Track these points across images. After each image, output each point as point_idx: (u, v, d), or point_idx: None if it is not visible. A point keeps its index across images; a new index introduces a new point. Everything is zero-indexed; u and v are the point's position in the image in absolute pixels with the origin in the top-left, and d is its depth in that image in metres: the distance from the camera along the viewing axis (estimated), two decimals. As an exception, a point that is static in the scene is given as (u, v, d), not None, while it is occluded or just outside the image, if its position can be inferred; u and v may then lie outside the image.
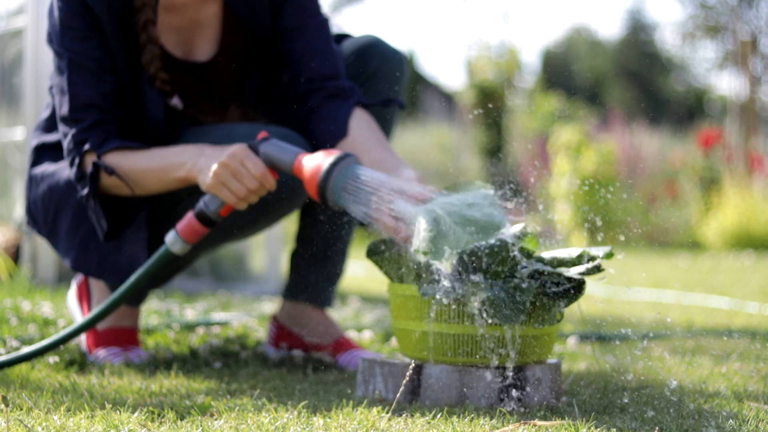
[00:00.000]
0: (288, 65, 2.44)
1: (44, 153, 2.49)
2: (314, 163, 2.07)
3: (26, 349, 2.22)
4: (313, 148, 2.35)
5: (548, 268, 1.93)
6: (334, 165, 2.04)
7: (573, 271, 1.94)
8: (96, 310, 2.24)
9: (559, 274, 1.92)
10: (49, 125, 2.50)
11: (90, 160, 2.30)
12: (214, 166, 2.15)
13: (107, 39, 2.31)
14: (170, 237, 2.21)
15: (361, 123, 2.33)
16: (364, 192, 2.01)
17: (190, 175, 2.21)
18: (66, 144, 2.32)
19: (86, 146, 2.29)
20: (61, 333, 2.23)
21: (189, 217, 2.20)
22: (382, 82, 2.47)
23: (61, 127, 2.33)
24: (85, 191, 2.29)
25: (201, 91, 2.47)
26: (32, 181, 2.48)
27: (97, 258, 2.39)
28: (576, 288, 1.93)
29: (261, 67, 2.49)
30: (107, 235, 2.32)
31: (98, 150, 2.28)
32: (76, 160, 2.30)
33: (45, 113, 2.52)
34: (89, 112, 2.30)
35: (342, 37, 2.54)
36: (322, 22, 2.43)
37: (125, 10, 2.32)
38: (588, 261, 1.98)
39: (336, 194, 2.04)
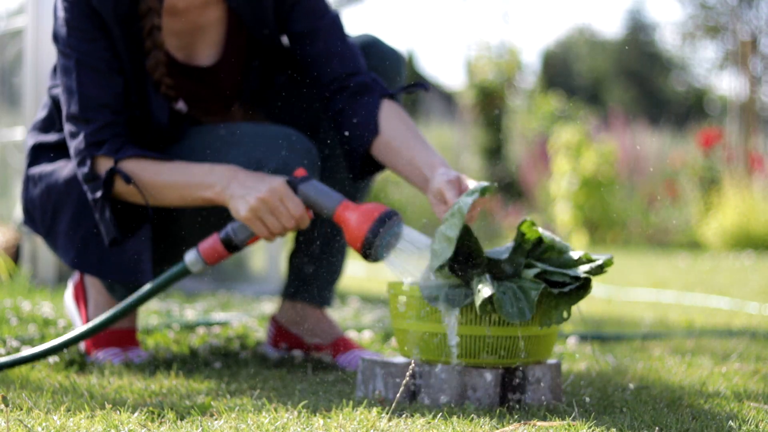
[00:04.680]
0: (306, 70, 2.42)
1: (41, 153, 2.48)
2: (359, 218, 2.08)
3: (29, 351, 2.22)
4: (346, 149, 2.34)
5: (553, 269, 1.94)
6: (380, 224, 2.06)
7: (578, 270, 1.94)
8: (105, 315, 2.23)
9: (565, 274, 1.93)
10: (46, 125, 2.49)
11: (104, 164, 2.27)
12: (251, 198, 2.14)
13: (114, 41, 2.30)
14: (191, 257, 2.21)
15: (391, 117, 2.31)
16: (407, 252, 2.06)
17: (219, 199, 2.20)
18: (75, 144, 2.29)
19: (101, 150, 2.27)
20: (66, 336, 2.22)
21: (214, 239, 2.20)
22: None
23: (69, 127, 2.31)
24: (98, 195, 2.27)
25: (205, 94, 2.46)
26: (29, 181, 2.47)
27: (97, 257, 2.38)
28: (582, 286, 1.93)
29: (260, 68, 2.49)
30: (113, 242, 2.31)
31: (115, 156, 2.26)
32: (88, 162, 2.28)
33: (41, 113, 2.51)
34: (101, 112, 2.28)
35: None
36: (334, 19, 2.41)
37: (130, 14, 2.31)
38: (588, 263, 1.98)
39: (380, 252, 2.07)
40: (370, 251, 2.07)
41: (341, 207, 2.13)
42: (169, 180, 2.24)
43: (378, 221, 2.07)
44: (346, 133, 2.33)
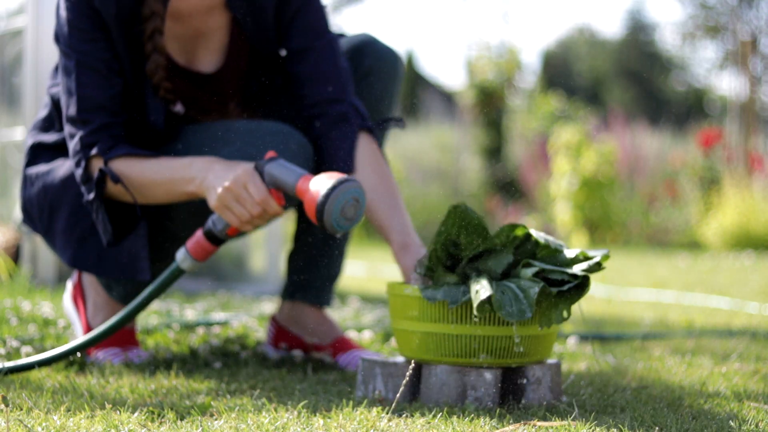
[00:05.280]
0: (294, 87, 2.43)
1: (40, 153, 2.48)
2: (315, 186, 2.07)
3: (33, 358, 2.21)
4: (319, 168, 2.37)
5: (552, 267, 1.93)
6: (332, 189, 2.04)
7: (576, 269, 1.94)
8: (107, 324, 2.23)
9: (563, 272, 1.92)
10: (46, 125, 2.50)
11: (97, 164, 2.28)
12: (219, 188, 2.15)
13: (114, 42, 2.30)
14: (180, 254, 2.21)
15: (365, 161, 2.33)
16: (361, 218, 2.03)
17: (199, 192, 2.21)
18: (72, 145, 2.30)
19: (94, 150, 2.27)
20: (71, 345, 2.22)
21: (198, 235, 2.21)
22: (377, 80, 2.47)
23: (68, 128, 2.32)
24: (91, 196, 2.28)
25: (204, 99, 2.46)
26: (27, 180, 2.47)
27: (96, 254, 2.38)
28: (581, 285, 1.93)
29: (260, 74, 2.50)
30: (111, 241, 2.31)
31: (106, 156, 2.26)
32: (83, 163, 2.28)
33: (42, 113, 2.51)
34: (98, 114, 2.29)
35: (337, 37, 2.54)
36: (330, 41, 2.41)
37: (132, 16, 2.31)
38: (585, 260, 1.98)
39: (334, 219, 2.04)
40: (323, 219, 2.04)
41: (301, 180, 2.10)
42: (155, 177, 2.25)
43: (330, 187, 2.04)
44: (323, 161, 2.37)
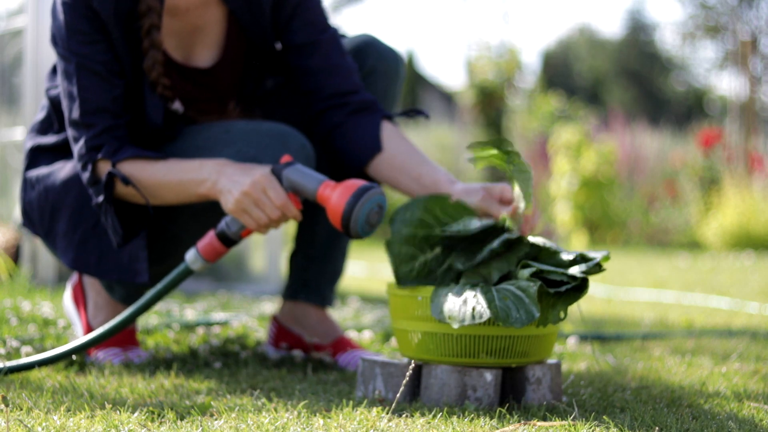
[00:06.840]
0: (301, 81, 2.43)
1: (40, 155, 2.48)
2: (339, 193, 2.08)
3: (36, 357, 2.21)
4: (344, 163, 2.37)
5: (551, 268, 1.93)
6: (358, 197, 2.06)
7: (575, 270, 1.94)
8: (113, 322, 2.23)
9: (562, 273, 1.92)
10: (45, 127, 2.49)
11: (104, 167, 2.28)
12: (236, 192, 2.15)
13: (113, 43, 2.30)
14: (191, 255, 2.22)
15: (392, 136, 2.34)
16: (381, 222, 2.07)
17: (211, 194, 2.21)
18: (77, 149, 2.30)
19: (100, 154, 2.27)
20: (76, 342, 2.22)
21: (210, 236, 2.21)
22: (379, 80, 2.47)
23: (71, 132, 2.32)
24: (101, 199, 2.28)
25: (202, 95, 2.46)
26: (27, 184, 2.47)
27: (96, 256, 2.38)
28: (579, 286, 1.93)
29: (257, 70, 2.50)
30: (120, 243, 2.31)
31: (113, 158, 2.26)
32: (89, 166, 2.28)
33: (39, 115, 2.51)
34: (101, 116, 2.28)
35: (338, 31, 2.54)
36: (334, 35, 2.42)
37: (130, 14, 2.30)
38: (584, 262, 1.98)
39: (360, 226, 2.07)
40: (350, 226, 2.07)
41: (322, 187, 2.13)
42: (164, 179, 2.25)
43: (354, 195, 2.07)
44: (345, 147, 2.36)
